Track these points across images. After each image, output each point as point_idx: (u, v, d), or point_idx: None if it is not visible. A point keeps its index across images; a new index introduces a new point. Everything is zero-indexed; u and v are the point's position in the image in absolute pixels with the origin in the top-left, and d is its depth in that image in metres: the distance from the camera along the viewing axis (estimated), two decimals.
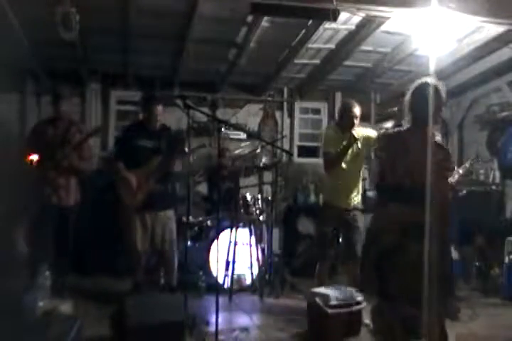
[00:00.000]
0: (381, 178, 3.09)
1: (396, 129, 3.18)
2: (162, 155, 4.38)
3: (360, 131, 4.28)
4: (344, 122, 4.33)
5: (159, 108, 4.46)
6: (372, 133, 4.39)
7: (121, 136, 4.75)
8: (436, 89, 3.00)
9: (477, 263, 5.67)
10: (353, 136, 4.10)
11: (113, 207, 4.53)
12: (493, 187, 6.31)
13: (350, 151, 4.23)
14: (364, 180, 5.37)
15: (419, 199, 2.66)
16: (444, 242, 2.83)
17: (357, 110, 4.30)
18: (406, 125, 3.12)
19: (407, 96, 3.09)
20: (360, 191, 4.48)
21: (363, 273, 3.16)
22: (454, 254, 5.47)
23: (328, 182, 4.50)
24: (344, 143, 4.14)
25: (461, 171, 4.16)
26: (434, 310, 2.63)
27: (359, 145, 4.27)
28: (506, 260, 5.14)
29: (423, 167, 2.68)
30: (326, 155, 4.36)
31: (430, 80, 3.01)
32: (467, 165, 4.37)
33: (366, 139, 4.30)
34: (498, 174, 6.42)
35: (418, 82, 3.07)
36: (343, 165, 4.27)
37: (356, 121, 4.29)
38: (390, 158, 3.05)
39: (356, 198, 4.41)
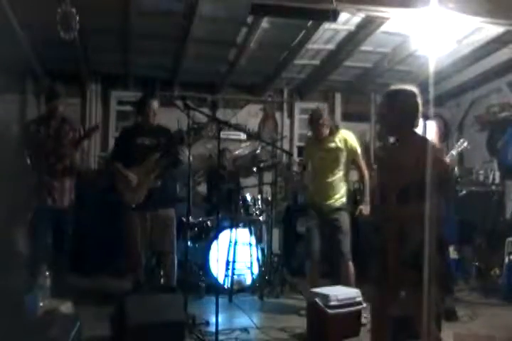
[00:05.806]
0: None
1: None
2: (161, 152, 4.36)
3: (341, 134, 4.46)
4: (313, 131, 4.55)
5: (154, 104, 4.44)
6: (350, 135, 4.51)
7: (118, 136, 4.78)
8: (406, 95, 2.82)
9: (477, 263, 5.68)
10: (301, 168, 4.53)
11: (113, 206, 4.52)
12: (493, 187, 6.32)
13: (327, 155, 4.41)
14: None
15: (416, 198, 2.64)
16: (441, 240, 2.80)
17: (320, 117, 4.40)
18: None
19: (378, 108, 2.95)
20: (344, 192, 4.51)
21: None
22: (454, 254, 5.48)
23: (310, 183, 4.62)
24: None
25: (454, 153, 4.13)
26: (430, 309, 2.62)
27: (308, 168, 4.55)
28: (506, 260, 5.14)
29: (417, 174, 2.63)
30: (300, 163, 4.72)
31: (396, 87, 2.87)
32: (458, 149, 4.27)
33: (345, 141, 4.44)
34: (498, 174, 6.42)
35: (386, 91, 2.91)
36: (320, 167, 4.45)
37: (323, 128, 4.41)
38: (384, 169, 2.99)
39: (339, 199, 4.46)
